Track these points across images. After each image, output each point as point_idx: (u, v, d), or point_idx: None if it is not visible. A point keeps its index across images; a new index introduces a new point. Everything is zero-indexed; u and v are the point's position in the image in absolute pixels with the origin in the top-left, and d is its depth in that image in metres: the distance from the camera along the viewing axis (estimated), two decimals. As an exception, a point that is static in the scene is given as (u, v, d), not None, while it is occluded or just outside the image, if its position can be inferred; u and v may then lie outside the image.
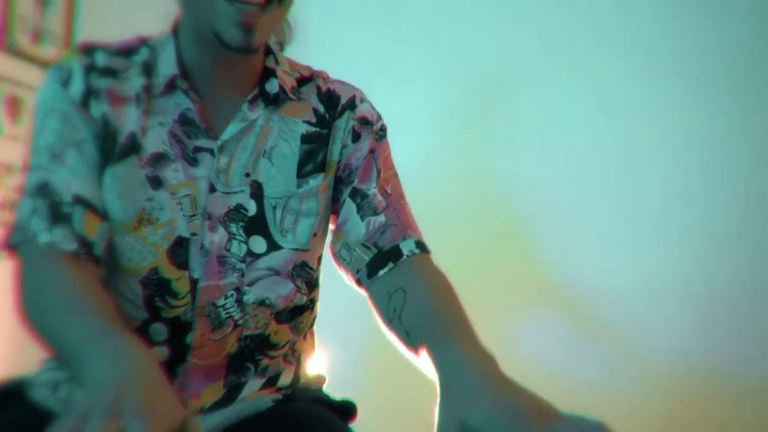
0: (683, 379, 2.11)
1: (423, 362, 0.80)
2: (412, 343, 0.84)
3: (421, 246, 0.97)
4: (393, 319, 0.89)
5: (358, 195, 1.00)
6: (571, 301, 2.26)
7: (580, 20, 2.31)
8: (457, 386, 0.68)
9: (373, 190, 1.00)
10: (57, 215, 0.87)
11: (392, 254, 0.95)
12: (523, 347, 2.23)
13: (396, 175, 1.06)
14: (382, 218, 0.98)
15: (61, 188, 0.89)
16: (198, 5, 0.88)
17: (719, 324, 2.10)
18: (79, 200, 0.89)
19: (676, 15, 2.21)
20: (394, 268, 0.94)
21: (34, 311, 0.83)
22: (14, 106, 2.03)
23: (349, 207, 1.00)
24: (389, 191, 1.01)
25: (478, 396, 0.65)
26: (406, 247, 0.95)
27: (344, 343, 2.11)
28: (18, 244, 0.88)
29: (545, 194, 2.31)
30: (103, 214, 0.90)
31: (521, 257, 2.33)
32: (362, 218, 0.98)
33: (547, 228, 2.30)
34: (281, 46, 1.09)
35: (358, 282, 0.98)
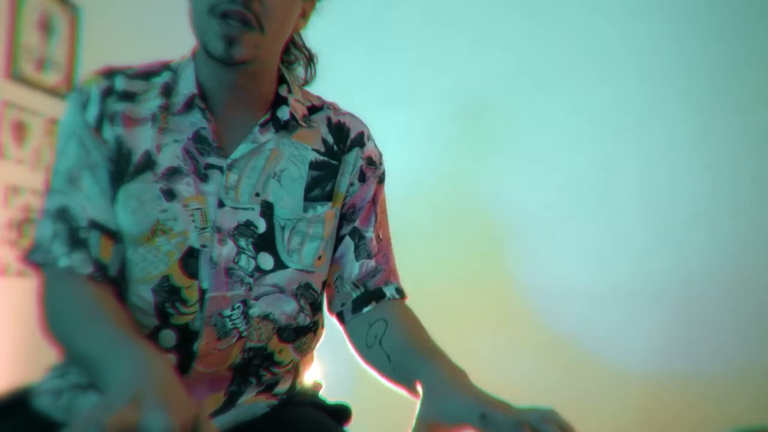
0: (660, 381, 2.15)
1: (398, 384, 0.94)
2: (392, 366, 0.96)
3: (400, 292, 1.09)
4: (373, 345, 1.01)
5: (356, 235, 1.08)
6: (548, 314, 2.29)
7: (560, 41, 2.38)
8: (436, 388, 0.82)
9: (370, 234, 1.09)
10: (75, 240, 0.93)
11: (376, 295, 1.07)
12: (498, 361, 2.26)
13: (387, 217, 1.15)
14: (373, 263, 1.08)
15: (78, 213, 0.94)
16: (193, 22, 0.94)
17: (696, 326, 2.15)
18: (94, 225, 0.94)
19: (651, 35, 2.28)
20: (376, 306, 1.06)
21: (58, 326, 0.90)
22: (19, 130, 2.07)
23: (347, 244, 1.08)
24: (381, 236, 1.11)
25: (453, 393, 0.80)
26: (389, 291, 1.08)
27: (339, 349, 2.13)
28: (41, 264, 0.94)
29: (521, 206, 2.37)
30: (116, 236, 0.95)
31: (496, 262, 2.38)
32: (357, 258, 1.08)
33: (527, 238, 2.35)
34: (305, 82, 1.14)
35: (339, 314, 1.09)
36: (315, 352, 1.16)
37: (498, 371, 2.13)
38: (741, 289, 2.12)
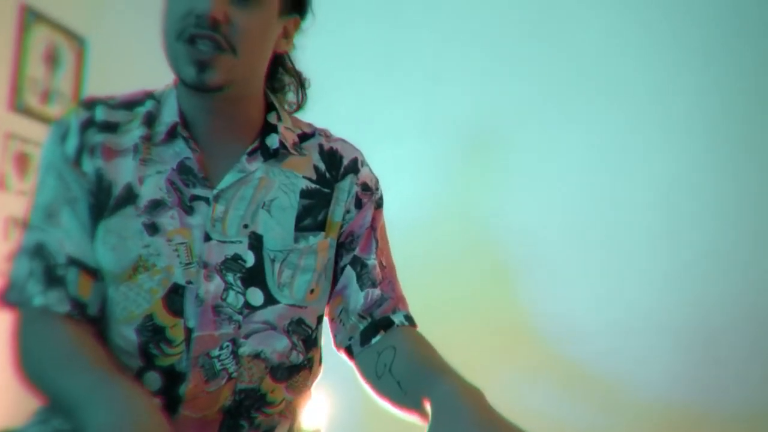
0: (675, 415, 2.09)
1: (411, 411, 0.86)
2: (404, 392, 0.88)
3: (409, 319, 1.03)
4: (383, 374, 0.93)
5: (358, 264, 1.03)
6: (558, 346, 2.25)
7: (572, 69, 2.35)
8: (448, 411, 0.74)
9: (372, 261, 1.03)
10: (52, 278, 0.89)
11: (384, 324, 1.00)
12: (509, 393, 2.20)
13: (388, 243, 1.09)
14: (378, 292, 1.02)
15: (56, 249, 0.90)
16: (164, 50, 0.90)
17: (713, 361, 2.09)
18: (72, 261, 0.90)
19: (665, 61, 2.25)
20: (384, 335, 1.00)
21: (33, 369, 0.85)
22: (23, 162, 2.05)
23: (349, 275, 1.03)
24: (384, 263, 1.05)
25: (467, 419, 0.71)
26: (397, 319, 1.01)
27: (346, 386, 2.08)
28: (15, 304, 0.90)
29: (533, 240, 2.33)
30: (96, 273, 0.91)
31: (504, 293, 2.35)
32: (361, 288, 1.02)
33: (540, 269, 2.31)
34: (297, 107, 1.10)
35: (348, 349, 1.02)
36: (312, 391, 1.09)
37: (509, 403, 2.06)
38: (760, 325, 2.06)
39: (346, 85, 2.52)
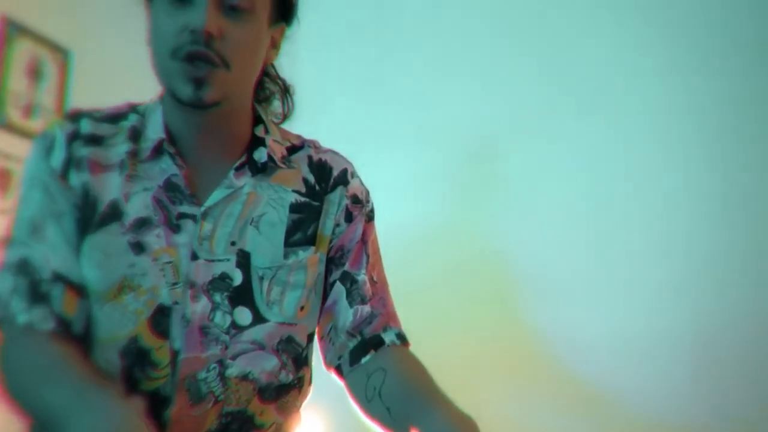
0: None
1: None
2: (393, 419, 0.89)
3: (401, 338, 1.03)
4: (373, 398, 0.93)
5: (348, 279, 1.03)
6: (560, 363, 2.23)
7: (570, 83, 2.34)
8: None
9: (362, 276, 1.03)
10: (36, 294, 0.89)
11: (374, 343, 1.00)
12: (512, 411, 2.19)
13: (380, 258, 1.09)
14: (368, 308, 1.02)
15: (41, 265, 0.90)
16: (156, 67, 0.91)
17: (717, 378, 2.07)
18: (58, 277, 0.90)
19: (664, 76, 2.24)
20: (375, 354, 0.99)
21: (18, 387, 0.85)
22: (5, 179, 2.04)
23: (338, 291, 1.03)
24: (375, 278, 1.05)
25: None
26: (388, 337, 1.00)
27: (339, 406, 2.06)
28: None
29: (528, 255, 2.31)
30: (82, 290, 0.91)
31: (506, 317, 2.32)
32: (351, 304, 1.01)
33: (541, 288, 2.29)
34: (284, 117, 1.10)
35: (338, 368, 1.02)
36: (302, 412, 1.08)
37: (514, 426, 2.07)
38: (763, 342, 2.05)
39: (337, 94, 2.51)
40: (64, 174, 0.92)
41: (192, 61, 0.86)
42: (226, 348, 0.92)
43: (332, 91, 2.51)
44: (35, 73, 2.18)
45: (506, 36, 2.46)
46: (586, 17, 2.36)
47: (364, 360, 0.99)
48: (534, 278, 2.31)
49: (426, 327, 2.18)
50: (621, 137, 2.27)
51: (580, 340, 2.21)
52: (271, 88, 1.07)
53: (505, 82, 2.42)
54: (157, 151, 0.94)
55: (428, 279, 2.31)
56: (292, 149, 1.04)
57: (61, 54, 2.27)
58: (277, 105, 1.08)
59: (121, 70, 2.31)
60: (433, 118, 2.49)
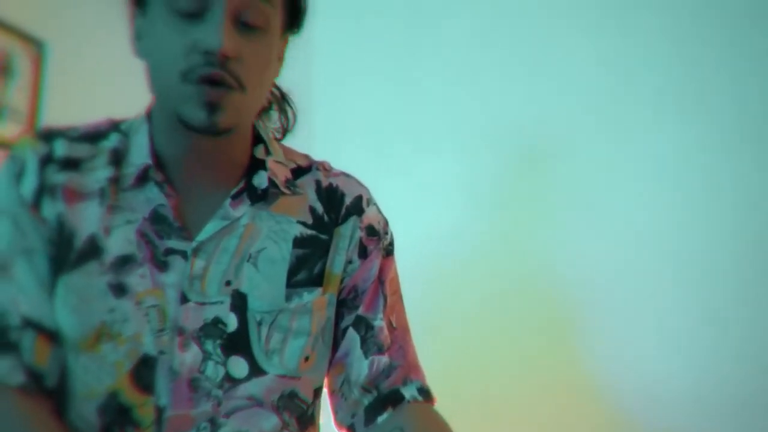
0: None
1: None
2: None
3: (424, 392, 1.05)
4: None
5: (362, 325, 1.06)
6: (626, 413, 2.23)
7: (631, 79, 2.36)
8: None
9: (379, 321, 1.07)
10: (4, 344, 0.93)
11: (392, 399, 1.03)
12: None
13: (401, 298, 1.12)
14: (386, 358, 1.05)
15: (9, 309, 0.94)
16: (160, 89, 0.94)
17: None
18: (28, 323, 0.94)
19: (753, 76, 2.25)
20: (393, 412, 1.02)
21: None
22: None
23: (352, 338, 1.06)
24: (395, 323, 1.08)
25: None
26: (408, 392, 1.04)
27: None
28: None
29: (590, 278, 2.32)
30: (55, 337, 0.95)
31: (561, 352, 2.33)
32: (366, 354, 1.05)
33: (593, 319, 2.30)
34: (284, 132, 1.14)
35: (351, 427, 1.05)
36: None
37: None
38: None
39: (358, 90, 2.54)
40: (35, 204, 0.96)
41: (205, 83, 0.90)
42: (219, 404, 0.95)
43: (347, 83, 2.53)
44: (4, 69, 2.24)
45: (564, 15, 2.47)
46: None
47: (380, 419, 1.02)
48: (596, 308, 2.31)
49: (463, 365, 2.21)
50: (707, 139, 2.26)
51: (653, 386, 2.21)
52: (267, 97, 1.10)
53: (562, 70, 2.44)
54: (143, 178, 0.98)
55: (467, 306, 2.34)
56: (298, 171, 1.08)
57: (35, 46, 2.33)
58: (273, 115, 1.13)
59: (104, 66, 2.36)
60: (474, 114, 2.52)
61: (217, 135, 0.94)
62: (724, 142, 2.24)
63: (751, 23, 2.24)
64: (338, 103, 2.43)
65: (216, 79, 0.90)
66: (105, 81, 2.33)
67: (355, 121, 2.34)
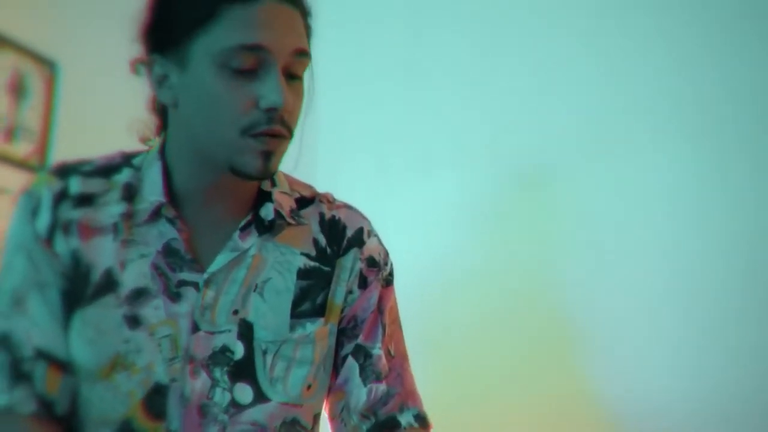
0: None
1: None
2: None
3: (420, 419, 1.10)
4: None
5: (361, 353, 1.11)
6: (622, 424, 2.22)
7: (632, 99, 2.34)
8: None
9: (378, 350, 1.11)
10: (17, 373, 0.98)
11: (389, 425, 1.08)
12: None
13: (399, 327, 1.17)
14: (384, 387, 1.09)
15: (22, 341, 0.99)
16: (215, 140, 0.98)
17: None
18: (40, 354, 0.99)
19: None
20: None
21: None
22: (-19, 212, 2.13)
23: (351, 366, 1.11)
24: (393, 351, 1.13)
25: None
26: (405, 419, 1.09)
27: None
28: None
29: (589, 296, 2.30)
30: (66, 367, 1.00)
31: (560, 369, 2.31)
32: (365, 382, 1.10)
33: (592, 338, 2.29)
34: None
35: None
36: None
37: None
38: None
39: (358, 102, 2.56)
40: (49, 239, 1.01)
41: (265, 136, 0.96)
42: (225, 429, 1.00)
43: (355, 105, 2.54)
44: (18, 89, 2.27)
45: (565, 34, 2.45)
46: (662, 15, 2.35)
47: None
48: (599, 331, 2.29)
49: (463, 381, 2.22)
50: (711, 160, 2.23)
51: (653, 402, 2.19)
52: None
53: (563, 90, 2.43)
54: (156, 214, 1.02)
55: (466, 323, 2.33)
56: (302, 201, 1.12)
57: (47, 66, 2.35)
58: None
59: (116, 86, 2.38)
60: (473, 134, 2.51)
61: (265, 179, 1.02)
62: (721, 159, 2.23)
63: (756, 37, 2.25)
64: (339, 122, 2.40)
65: (278, 134, 0.96)
66: (116, 101, 2.36)
67: (355, 139, 2.33)
